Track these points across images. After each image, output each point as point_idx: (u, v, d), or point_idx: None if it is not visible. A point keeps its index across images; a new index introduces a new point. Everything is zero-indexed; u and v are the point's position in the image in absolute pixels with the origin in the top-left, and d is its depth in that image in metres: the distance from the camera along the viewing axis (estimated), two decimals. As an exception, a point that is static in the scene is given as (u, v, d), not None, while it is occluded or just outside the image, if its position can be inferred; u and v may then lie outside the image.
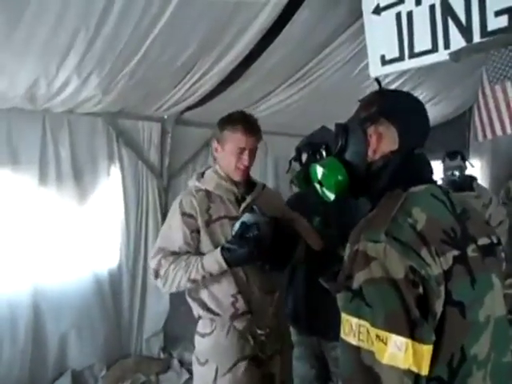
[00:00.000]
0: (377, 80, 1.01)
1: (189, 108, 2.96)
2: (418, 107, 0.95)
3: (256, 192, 1.67)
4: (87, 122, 2.70)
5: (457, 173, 2.97)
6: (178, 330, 3.09)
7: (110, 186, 2.86)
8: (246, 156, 1.58)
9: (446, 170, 3.05)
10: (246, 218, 1.52)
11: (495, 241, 0.89)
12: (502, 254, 0.91)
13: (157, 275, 1.57)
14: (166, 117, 3.05)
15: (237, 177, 1.61)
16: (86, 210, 2.70)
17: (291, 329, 1.88)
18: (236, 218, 1.55)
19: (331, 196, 1.00)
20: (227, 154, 1.59)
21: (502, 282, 0.87)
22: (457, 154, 3.02)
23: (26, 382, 2.46)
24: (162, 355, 3.08)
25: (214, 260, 1.49)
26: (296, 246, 1.62)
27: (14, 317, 2.41)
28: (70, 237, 2.63)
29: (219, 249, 1.50)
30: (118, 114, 2.80)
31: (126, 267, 2.96)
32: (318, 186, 1.05)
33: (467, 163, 3.07)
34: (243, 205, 1.61)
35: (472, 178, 3.10)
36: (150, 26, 1.92)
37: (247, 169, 1.61)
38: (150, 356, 3.06)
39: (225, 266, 1.48)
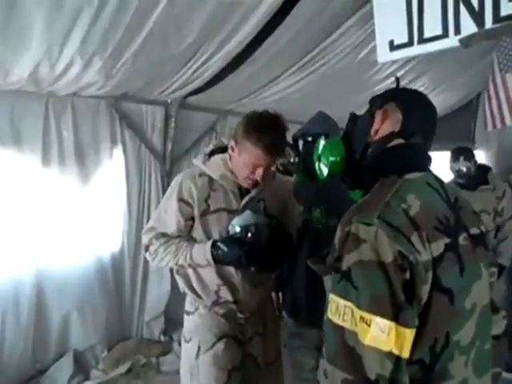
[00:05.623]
0: (396, 78, 1.03)
1: (193, 92, 2.93)
2: (427, 101, 0.97)
3: (262, 185, 1.56)
4: (90, 105, 2.68)
5: (464, 169, 2.84)
6: (178, 313, 3.07)
7: (113, 170, 2.86)
8: (260, 172, 1.44)
9: (452, 169, 2.92)
10: (247, 217, 1.46)
11: (484, 230, 0.91)
12: (489, 244, 0.93)
13: (147, 249, 1.61)
14: (169, 101, 3.02)
15: (244, 185, 1.52)
16: (88, 192, 2.70)
17: (288, 320, 1.87)
18: (235, 212, 1.50)
19: (325, 171, 1.02)
20: (241, 163, 1.45)
21: (488, 271, 0.89)
22: (460, 156, 2.86)
23: (29, 362, 2.50)
24: (162, 338, 3.12)
25: (202, 254, 1.48)
26: (290, 249, 1.57)
27: (18, 298, 2.43)
28: (73, 219, 2.63)
29: (210, 244, 1.47)
30: (121, 97, 2.77)
31: (128, 251, 2.98)
32: (316, 163, 1.06)
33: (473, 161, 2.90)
34: (246, 198, 1.53)
35: (487, 169, 3.01)
36: (152, 8, 1.87)
37: (257, 182, 1.49)
38: (150, 339, 3.10)
39: (212, 263, 1.48)
